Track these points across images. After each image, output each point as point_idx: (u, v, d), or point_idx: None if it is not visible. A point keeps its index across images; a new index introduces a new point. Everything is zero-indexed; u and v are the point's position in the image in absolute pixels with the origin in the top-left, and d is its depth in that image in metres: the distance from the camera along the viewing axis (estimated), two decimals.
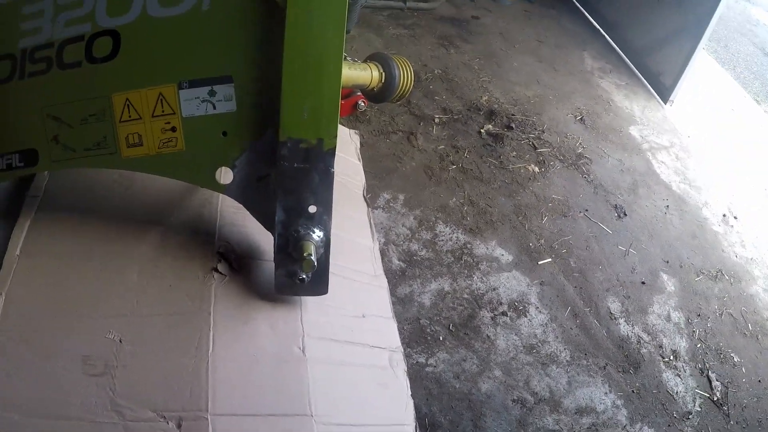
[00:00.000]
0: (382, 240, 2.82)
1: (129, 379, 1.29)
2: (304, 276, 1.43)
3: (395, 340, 1.68)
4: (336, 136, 1.32)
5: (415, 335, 2.48)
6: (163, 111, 1.31)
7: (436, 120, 3.70)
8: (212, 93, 1.30)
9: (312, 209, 1.40)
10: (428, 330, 2.51)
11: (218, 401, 1.30)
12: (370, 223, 1.99)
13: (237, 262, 1.57)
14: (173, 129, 1.33)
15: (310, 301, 1.56)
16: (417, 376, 2.32)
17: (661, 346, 2.75)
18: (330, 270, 1.51)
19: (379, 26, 4.48)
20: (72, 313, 1.38)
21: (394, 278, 2.66)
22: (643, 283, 3.04)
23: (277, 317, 1.51)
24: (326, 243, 1.44)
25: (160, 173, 1.42)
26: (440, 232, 2.97)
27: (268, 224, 1.45)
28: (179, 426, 1.25)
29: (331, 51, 1.25)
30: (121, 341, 1.35)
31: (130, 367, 1.31)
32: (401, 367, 1.60)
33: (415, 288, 2.67)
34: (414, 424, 1.52)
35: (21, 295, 1.37)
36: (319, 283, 1.49)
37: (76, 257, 1.49)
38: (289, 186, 1.36)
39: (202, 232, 1.62)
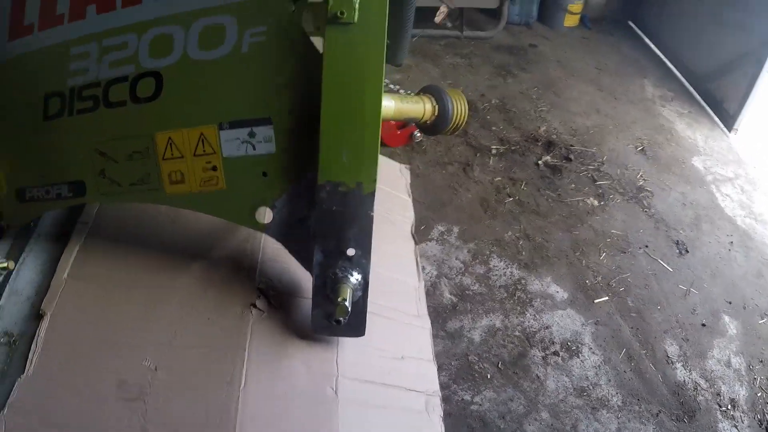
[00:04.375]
0: (434, 273, 2.80)
1: (160, 407, 1.32)
2: (340, 318, 1.41)
3: (434, 384, 1.64)
4: (375, 180, 1.29)
5: (463, 372, 2.43)
6: (204, 150, 1.33)
7: (493, 151, 3.66)
8: (252, 134, 1.30)
9: (350, 252, 1.38)
10: (476, 367, 2.46)
11: None
12: (417, 261, 1.96)
13: (276, 299, 1.56)
14: (214, 168, 1.34)
15: (348, 341, 1.54)
16: (461, 413, 2.27)
17: (718, 394, 2.61)
18: (370, 309, 1.48)
19: (436, 55, 4.47)
20: (112, 339, 1.42)
21: (445, 312, 2.63)
22: (703, 325, 2.91)
23: (313, 356, 1.49)
24: (364, 286, 1.42)
25: (202, 210, 1.43)
26: (494, 266, 2.92)
27: (308, 264, 1.43)
28: None
29: (370, 95, 1.23)
30: (156, 369, 1.37)
31: (163, 395, 1.33)
32: (437, 413, 1.56)
33: (465, 323, 2.62)
34: None
35: (66, 317, 1.42)
36: (356, 325, 1.47)
37: (120, 284, 1.54)
38: (327, 229, 1.35)
39: (244, 267, 1.63)
